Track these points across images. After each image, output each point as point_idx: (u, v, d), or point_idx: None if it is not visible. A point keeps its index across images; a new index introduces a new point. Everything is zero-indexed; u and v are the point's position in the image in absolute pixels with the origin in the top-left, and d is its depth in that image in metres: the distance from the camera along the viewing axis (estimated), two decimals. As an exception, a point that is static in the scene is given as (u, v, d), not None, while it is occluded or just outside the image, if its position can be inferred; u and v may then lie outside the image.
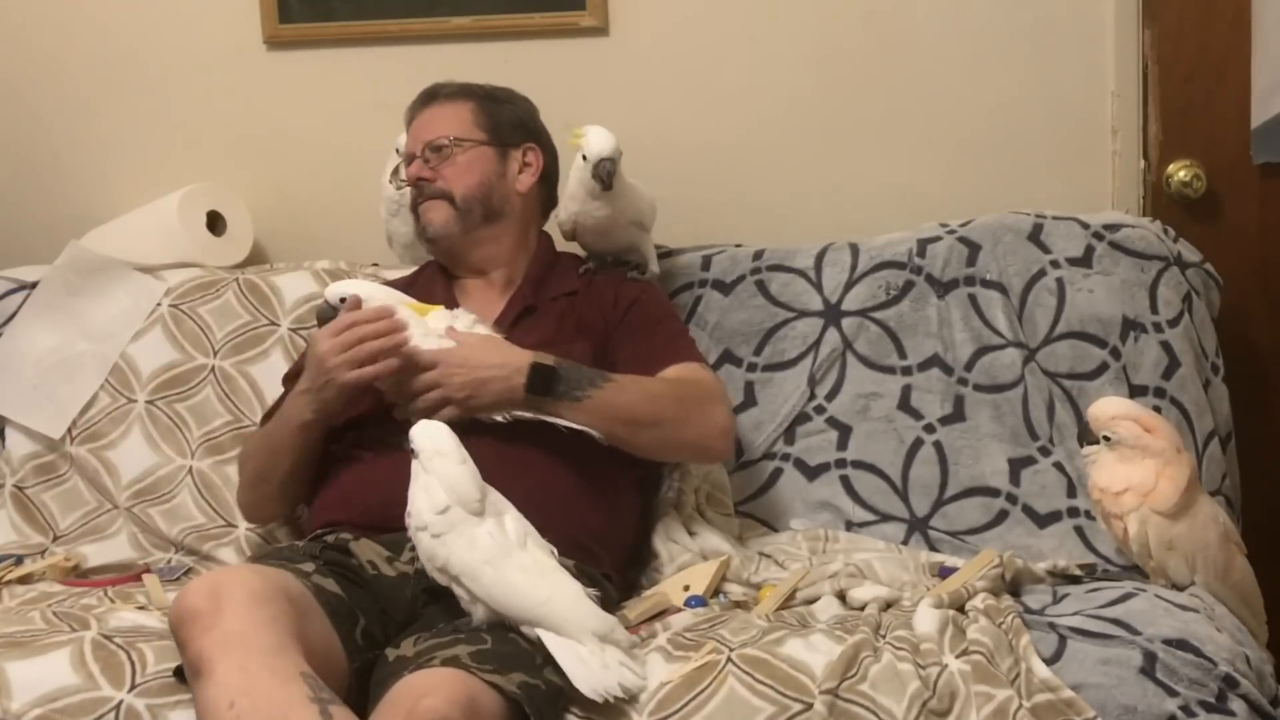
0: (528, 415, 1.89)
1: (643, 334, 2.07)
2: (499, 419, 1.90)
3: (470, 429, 1.74)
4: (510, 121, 2.15)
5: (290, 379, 2.16)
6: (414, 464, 1.68)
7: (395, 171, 2.20)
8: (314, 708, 1.41)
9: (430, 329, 1.94)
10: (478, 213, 2.10)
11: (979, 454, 2.10)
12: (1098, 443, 1.81)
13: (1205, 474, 2.04)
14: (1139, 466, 1.78)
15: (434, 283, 2.14)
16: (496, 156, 2.13)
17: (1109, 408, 1.82)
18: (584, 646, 1.59)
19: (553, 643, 1.59)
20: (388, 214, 2.36)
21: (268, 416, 2.14)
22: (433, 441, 1.68)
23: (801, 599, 1.86)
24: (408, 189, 2.14)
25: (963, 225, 2.25)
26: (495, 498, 1.69)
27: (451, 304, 2.05)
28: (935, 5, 2.44)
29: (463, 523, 1.63)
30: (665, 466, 2.12)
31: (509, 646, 1.60)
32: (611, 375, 1.92)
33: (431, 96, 2.16)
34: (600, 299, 2.11)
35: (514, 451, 1.87)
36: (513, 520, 1.68)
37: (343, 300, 1.96)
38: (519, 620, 1.62)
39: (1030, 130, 2.44)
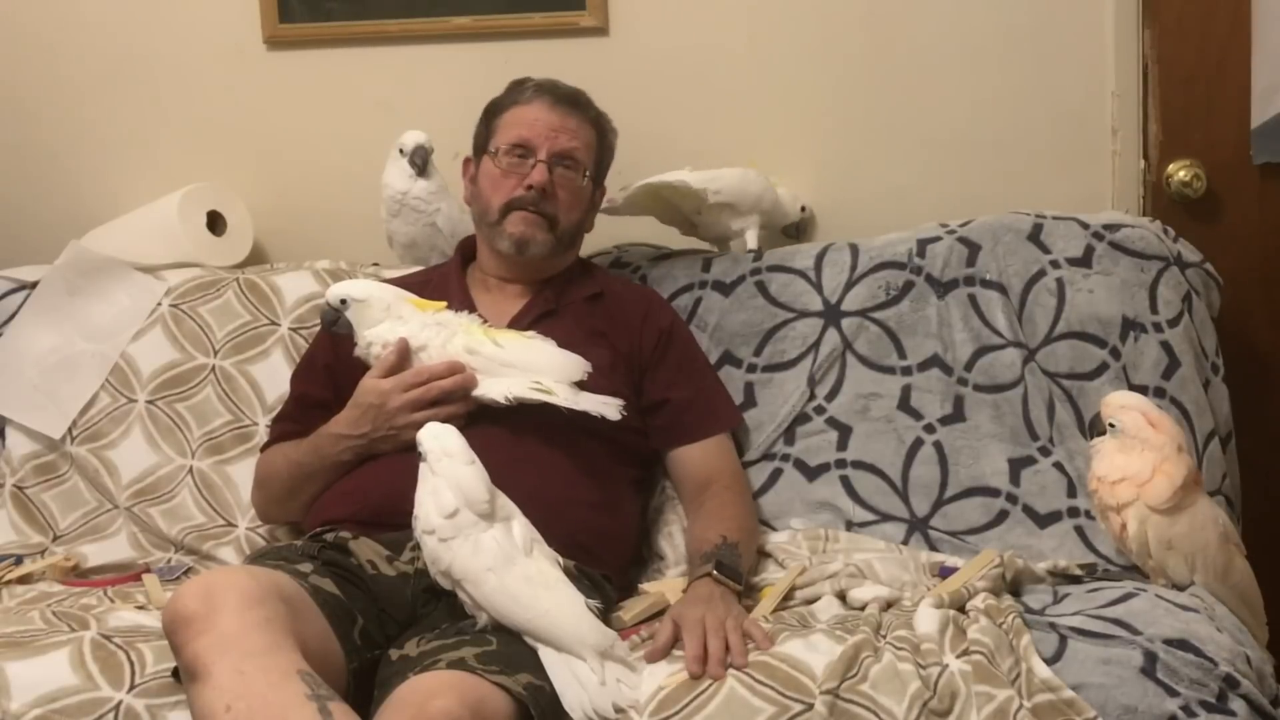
0: (528, 399, 1.88)
1: (684, 384, 2.08)
2: (500, 401, 1.89)
3: (471, 431, 1.74)
4: (607, 162, 2.17)
5: (298, 378, 2.16)
6: (421, 467, 1.67)
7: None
8: (312, 705, 1.40)
9: (442, 322, 1.95)
10: (565, 243, 2.10)
11: (979, 454, 2.10)
12: (1105, 433, 1.82)
13: (1205, 474, 2.04)
14: (1137, 457, 1.78)
15: (450, 282, 2.13)
16: (591, 193, 2.14)
17: (1121, 398, 1.84)
18: (582, 663, 1.58)
19: (549, 659, 1.59)
20: (388, 214, 2.36)
21: (281, 419, 2.14)
22: (440, 443, 1.67)
23: (801, 599, 1.86)
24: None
25: (963, 225, 2.25)
26: (504, 501, 1.68)
27: (468, 305, 2.05)
28: (935, 5, 2.44)
29: (470, 527, 1.63)
30: (662, 467, 2.12)
31: (514, 648, 1.60)
32: (732, 539, 1.88)
33: (577, 105, 2.11)
34: (625, 310, 2.11)
35: (514, 452, 1.86)
36: (520, 526, 1.67)
37: (343, 302, 1.96)
38: (519, 630, 1.62)
39: (1030, 130, 2.44)
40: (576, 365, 1.95)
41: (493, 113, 2.13)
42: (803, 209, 2.40)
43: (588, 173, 2.10)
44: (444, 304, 2.00)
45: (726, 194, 2.26)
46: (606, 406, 1.92)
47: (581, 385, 1.94)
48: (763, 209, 2.32)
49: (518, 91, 2.12)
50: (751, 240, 2.30)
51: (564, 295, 2.11)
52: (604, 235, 2.37)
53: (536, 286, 2.12)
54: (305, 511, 2.02)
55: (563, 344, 1.98)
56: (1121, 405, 1.81)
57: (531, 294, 2.11)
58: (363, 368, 1.97)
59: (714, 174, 2.26)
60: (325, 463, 1.97)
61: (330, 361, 2.09)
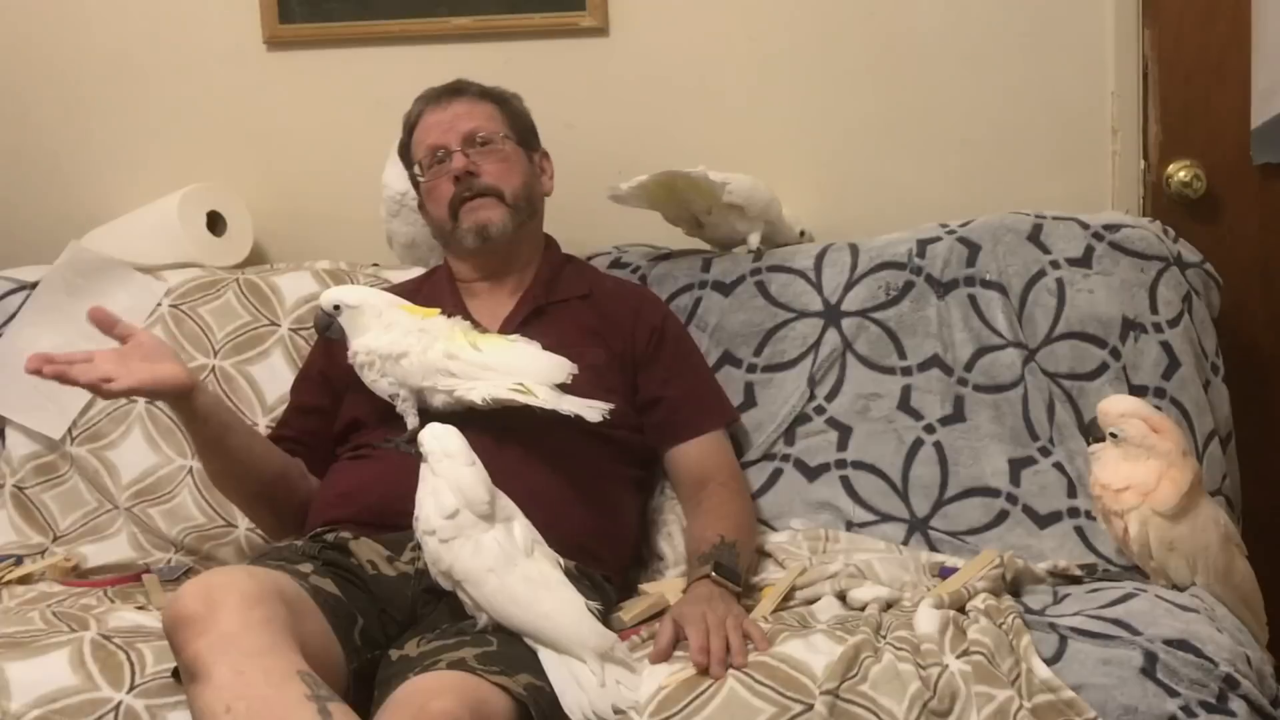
0: (505, 400, 1.87)
1: (678, 381, 2.08)
2: (478, 403, 1.87)
3: (471, 432, 1.73)
4: (528, 126, 2.17)
5: (295, 385, 2.16)
6: (422, 468, 1.67)
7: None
8: (311, 706, 1.40)
9: (425, 329, 1.94)
10: (524, 211, 2.10)
11: (979, 454, 2.10)
12: (1104, 439, 1.81)
13: (1205, 474, 2.04)
14: (1142, 466, 1.78)
15: (441, 288, 2.12)
16: (526, 156, 2.14)
17: (1119, 405, 1.83)
18: (582, 664, 1.58)
19: (549, 661, 1.59)
20: (388, 214, 2.36)
21: (278, 426, 2.14)
22: (441, 444, 1.67)
23: (801, 599, 1.86)
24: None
25: (963, 225, 2.25)
26: (505, 502, 1.68)
27: (461, 309, 2.05)
28: (935, 5, 2.44)
29: (471, 528, 1.63)
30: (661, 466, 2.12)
31: (515, 648, 1.60)
32: (730, 539, 1.87)
33: (456, 92, 2.13)
34: (617, 309, 2.10)
35: (514, 453, 1.86)
36: (521, 527, 1.67)
37: (336, 308, 1.95)
38: (519, 631, 1.62)
39: (1030, 130, 2.44)
40: (561, 367, 1.92)
41: (403, 149, 2.18)
42: (801, 233, 2.38)
43: (505, 136, 2.10)
44: (437, 310, 2.00)
45: (739, 195, 2.25)
46: (588, 409, 1.88)
47: (576, 385, 1.92)
48: (769, 218, 2.31)
49: (408, 118, 2.16)
50: (754, 243, 2.30)
51: (554, 294, 2.11)
52: (604, 235, 2.38)
53: (523, 282, 2.11)
54: (265, 510, 2.02)
55: (557, 344, 1.97)
56: (1121, 414, 1.79)
57: (521, 293, 2.10)
58: (355, 373, 1.97)
59: (728, 174, 2.26)
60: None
61: (325, 367, 2.09)
